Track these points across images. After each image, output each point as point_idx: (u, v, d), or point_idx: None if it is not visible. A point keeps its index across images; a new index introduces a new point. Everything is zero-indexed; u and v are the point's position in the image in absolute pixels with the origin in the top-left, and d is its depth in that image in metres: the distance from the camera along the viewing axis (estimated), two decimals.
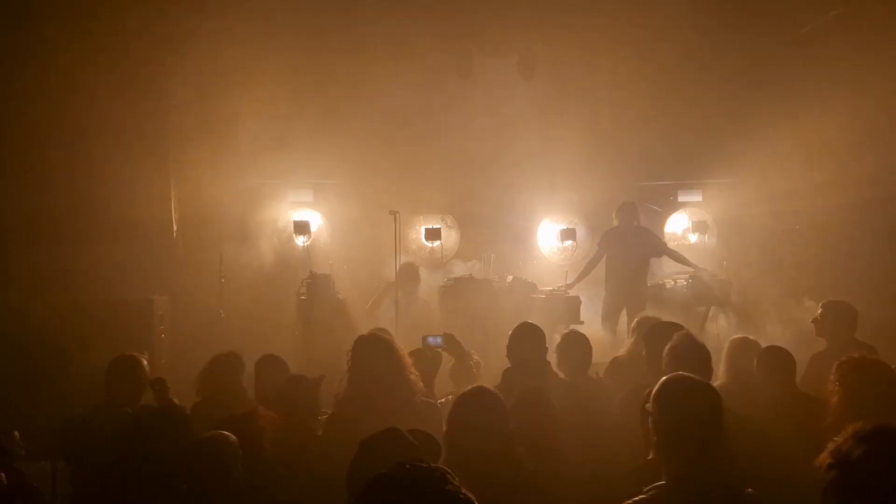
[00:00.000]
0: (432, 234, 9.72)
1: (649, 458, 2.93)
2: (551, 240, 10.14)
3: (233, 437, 3.05)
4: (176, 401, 4.40)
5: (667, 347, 3.63)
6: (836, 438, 1.90)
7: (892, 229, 8.17)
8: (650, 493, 2.35)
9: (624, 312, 8.06)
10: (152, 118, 8.82)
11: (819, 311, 5.47)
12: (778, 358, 4.26)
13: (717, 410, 2.40)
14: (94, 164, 8.09)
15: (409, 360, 3.88)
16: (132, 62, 8.15)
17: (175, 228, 9.32)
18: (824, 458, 1.88)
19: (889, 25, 7.51)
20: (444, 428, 2.95)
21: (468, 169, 9.74)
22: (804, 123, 8.29)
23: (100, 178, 8.06)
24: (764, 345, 4.93)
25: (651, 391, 2.91)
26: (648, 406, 2.52)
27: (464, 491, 1.39)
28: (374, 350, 3.78)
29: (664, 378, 2.55)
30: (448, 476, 1.41)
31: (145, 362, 4.49)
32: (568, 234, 9.76)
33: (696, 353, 3.52)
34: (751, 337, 4.94)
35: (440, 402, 4.21)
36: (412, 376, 3.81)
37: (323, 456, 3.46)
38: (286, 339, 7.71)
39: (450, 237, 10.17)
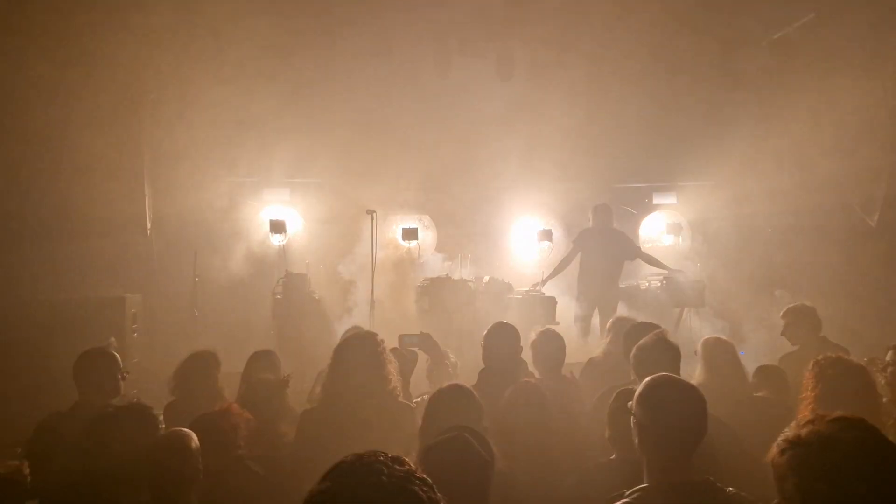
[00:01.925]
0: (409, 234, 9.72)
1: (612, 457, 2.96)
2: (528, 240, 10.19)
3: (192, 434, 3.00)
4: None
5: (634, 348, 3.61)
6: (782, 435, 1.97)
7: (863, 231, 8.33)
8: (634, 495, 2.32)
9: (596, 313, 8.13)
10: (127, 115, 8.71)
11: (782, 323, 5.63)
12: (772, 374, 4.49)
13: (701, 412, 2.39)
14: (66, 161, 7.96)
15: (391, 362, 3.84)
16: (108, 60, 8.03)
17: (149, 226, 9.22)
18: (774, 451, 1.94)
19: (857, 32, 7.66)
20: (419, 424, 2.94)
21: (445, 169, 9.75)
22: (776, 127, 8.43)
23: (73, 175, 7.93)
24: (738, 345, 5.03)
25: (620, 391, 2.93)
26: (630, 406, 2.48)
27: (419, 473, 1.43)
28: (358, 349, 3.71)
29: (648, 379, 2.50)
30: (404, 459, 1.45)
31: (117, 355, 4.28)
32: (544, 234, 9.81)
33: (663, 354, 3.47)
34: (724, 337, 5.01)
35: (415, 402, 4.20)
36: (392, 379, 3.77)
37: (296, 455, 3.43)
38: (261, 339, 7.66)
39: (426, 237, 10.18)
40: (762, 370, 4.60)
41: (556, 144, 9.18)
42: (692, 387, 2.49)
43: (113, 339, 5.18)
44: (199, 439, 2.99)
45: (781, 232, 9.03)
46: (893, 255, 7.80)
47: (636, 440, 2.44)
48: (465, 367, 5.16)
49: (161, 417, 3.98)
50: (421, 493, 1.39)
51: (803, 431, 1.87)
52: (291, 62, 8.98)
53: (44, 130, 7.78)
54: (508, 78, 9.72)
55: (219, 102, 8.49)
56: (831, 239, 8.40)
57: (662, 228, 10.50)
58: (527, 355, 4.56)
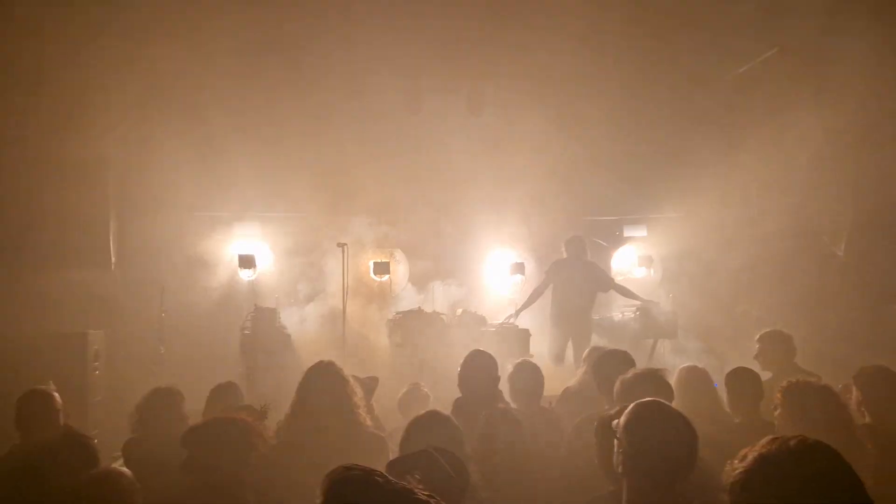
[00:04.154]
0: (381, 268, 9.62)
1: (611, 489, 2.86)
2: (501, 273, 10.16)
3: (126, 473, 2.87)
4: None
5: (618, 380, 3.58)
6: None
7: (830, 258, 8.45)
8: None
9: (570, 345, 8.09)
10: (92, 149, 8.56)
11: (757, 346, 5.62)
12: (745, 380, 4.36)
13: (690, 440, 2.30)
14: (28, 191, 7.78)
15: (359, 392, 3.77)
16: (74, 90, 7.90)
17: (113, 260, 8.98)
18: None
19: (818, 65, 7.88)
20: (398, 452, 2.84)
21: (417, 202, 9.73)
22: (742, 159, 8.60)
23: (35, 205, 7.74)
24: (712, 373, 5.01)
25: (604, 416, 2.85)
26: (615, 428, 2.38)
27: (417, 488, 1.42)
28: (324, 379, 3.64)
29: (635, 404, 2.41)
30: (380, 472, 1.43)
31: (56, 396, 4.15)
32: (517, 268, 9.79)
33: (652, 385, 3.44)
34: (699, 365, 4.99)
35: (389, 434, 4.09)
36: (361, 408, 3.70)
37: (263, 489, 3.29)
38: (229, 376, 7.42)
39: (398, 271, 10.08)
40: (735, 379, 4.41)
41: (528, 178, 9.25)
42: (679, 413, 2.40)
43: (51, 381, 5.00)
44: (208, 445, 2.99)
45: (752, 261, 9.13)
46: (861, 280, 7.92)
47: (618, 466, 2.35)
48: (439, 399, 5.06)
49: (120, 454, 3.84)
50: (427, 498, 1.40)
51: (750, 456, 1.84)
52: (260, 96, 8.93)
53: (5, 162, 7.60)
54: (479, 114, 9.80)
55: (186, 136, 8.39)
56: (799, 266, 8.51)
57: (634, 261, 10.56)
58: (503, 387, 4.49)
